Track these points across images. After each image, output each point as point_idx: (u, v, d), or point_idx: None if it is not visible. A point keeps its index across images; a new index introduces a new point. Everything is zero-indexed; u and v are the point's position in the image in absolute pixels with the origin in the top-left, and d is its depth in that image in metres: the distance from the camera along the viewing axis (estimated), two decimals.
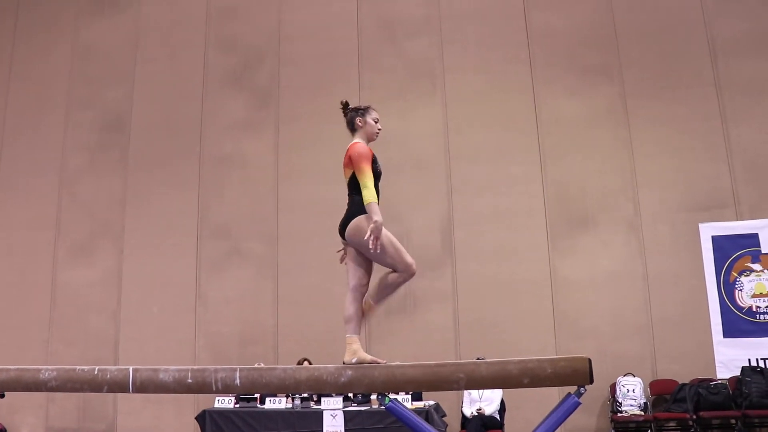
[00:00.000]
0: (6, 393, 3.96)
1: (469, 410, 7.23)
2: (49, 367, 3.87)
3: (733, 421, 7.24)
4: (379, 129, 3.99)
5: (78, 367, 3.85)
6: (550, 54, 8.62)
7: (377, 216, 3.57)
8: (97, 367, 3.78)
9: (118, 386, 3.70)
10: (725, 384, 7.30)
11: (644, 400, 7.42)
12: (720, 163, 7.94)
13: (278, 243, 8.76)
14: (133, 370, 3.69)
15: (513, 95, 8.62)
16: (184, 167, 9.19)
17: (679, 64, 8.27)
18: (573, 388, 3.47)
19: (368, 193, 3.62)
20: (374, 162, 3.77)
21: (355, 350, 3.60)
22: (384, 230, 3.64)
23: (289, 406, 6.99)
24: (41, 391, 3.87)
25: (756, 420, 7.22)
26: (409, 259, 3.73)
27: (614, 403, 7.48)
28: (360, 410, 6.71)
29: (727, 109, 8.04)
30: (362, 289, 3.76)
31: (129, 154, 9.41)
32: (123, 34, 9.85)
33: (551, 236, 8.16)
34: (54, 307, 9.12)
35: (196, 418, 7.23)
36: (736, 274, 7.68)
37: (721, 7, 8.32)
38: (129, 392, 3.71)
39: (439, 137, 8.63)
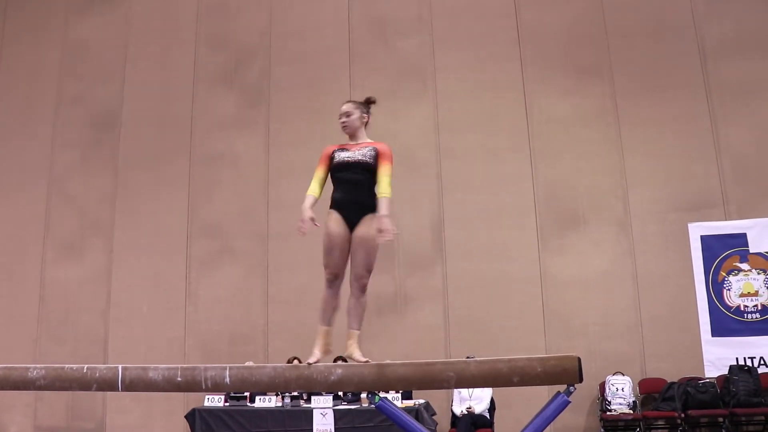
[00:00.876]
0: None
1: (458, 409, 7.24)
2: (38, 365, 3.85)
3: (720, 419, 7.29)
4: (340, 122, 4.03)
5: (67, 366, 3.83)
6: (541, 53, 8.64)
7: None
8: (86, 366, 3.76)
9: (108, 384, 3.69)
10: (713, 383, 7.36)
11: (633, 399, 7.46)
12: (709, 164, 7.99)
13: (268, 242, 8.74)
14: (123, 368, 3.68)
15: (504, 94, 8.63)
16: (175, 165, 9.16)
17: (669, 65, 8.31)
18: (562, 387, 3.48)
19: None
20: (331, 158, 3.91)
21: (348, 345, 3.63)
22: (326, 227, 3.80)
23: (279, 404, 6.98)
24: (29, 389, 3.85)
25: (743, 418, 7.30)
26: (324, 260, 3.83)
27: (603, 402, 7.52)
28: (350, 409, 6.71)
29: (716, 110, 8.08)
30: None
31: (119, 152, 9.37)
32: (113, 31, 9.80)
33: (541, 235, 8.18)
34: (43, 306, 9.07)
35: (186, 417, 7.20)
36: (724, 274, 7.73)
37: (711, 9, 8.37)
38: (118, 390, 3.69)
39: (430, 136, 8.64)
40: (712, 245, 7.79)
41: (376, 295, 8.14)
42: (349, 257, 3.80)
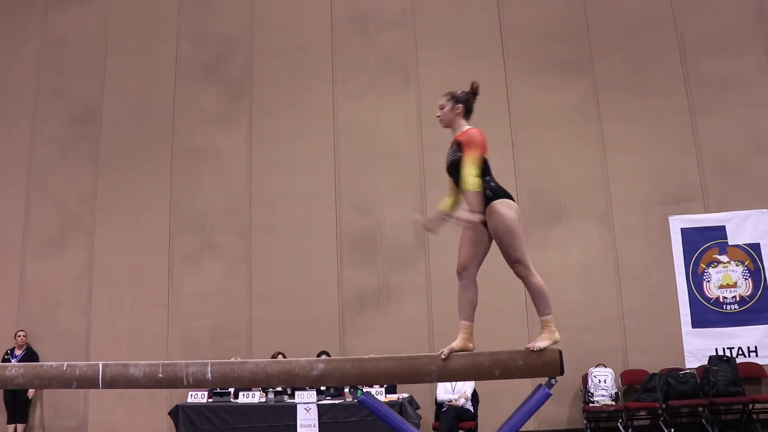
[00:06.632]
0: None
1: (443, 396, 7.22)
2: (16, 363, 3.81)
3: (700, 409, 7.40)
4: (436, 116, 4.03)
5: (46, 363, 3.80)
6: (522, 48, 8.67)
7: None
8: (65, 363, 3.72)
9: (88, 382, 3.66)
10: (693, 373, 7.45)
11: (615, 390, 7.53)
12: (689, 157, 8.07)
13: (251, 237, 8.71)
14: (103, 365, 3.65)
15: (486, 89, 8.43)
16: (156, 160, 9.09)
17: (649, 60, 8.36)
18: (545, 380, 3.51)
19: None
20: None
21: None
22: None
23: (263, 400, 6.98)
24: (8, 388, 3.82)
25: (722, 407, 7.40)
26: None
27: (586, 394, 7.58)
28: (334, 403, 6.72)
29: (696, 105, 8.15)
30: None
31: (100, 146, 9.27)
32: (93, 25, 9.69)
33: (524, 229, 8.18)
34: (23, 302, 8.97)
35: (169, 414, 7.18)
36: (704, 266, 7.81)
37: (690, 5, 8.43)
38: (99, 388, 3.67)
39: (412, 130, 8.64)
40: (692, 238, 7.87)
41: (359, 290, 8.18)
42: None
